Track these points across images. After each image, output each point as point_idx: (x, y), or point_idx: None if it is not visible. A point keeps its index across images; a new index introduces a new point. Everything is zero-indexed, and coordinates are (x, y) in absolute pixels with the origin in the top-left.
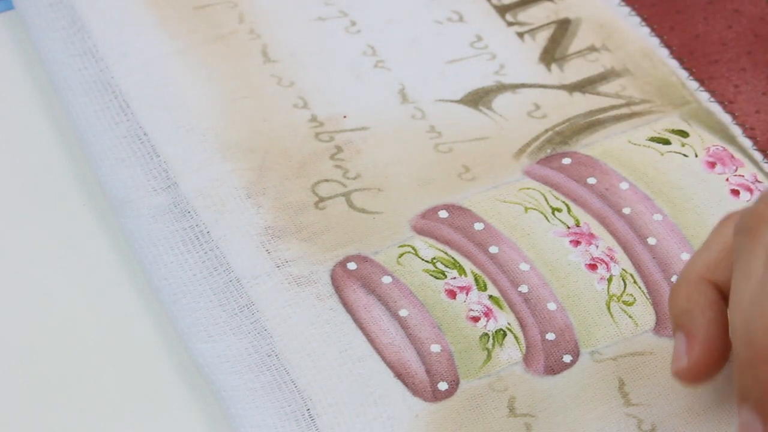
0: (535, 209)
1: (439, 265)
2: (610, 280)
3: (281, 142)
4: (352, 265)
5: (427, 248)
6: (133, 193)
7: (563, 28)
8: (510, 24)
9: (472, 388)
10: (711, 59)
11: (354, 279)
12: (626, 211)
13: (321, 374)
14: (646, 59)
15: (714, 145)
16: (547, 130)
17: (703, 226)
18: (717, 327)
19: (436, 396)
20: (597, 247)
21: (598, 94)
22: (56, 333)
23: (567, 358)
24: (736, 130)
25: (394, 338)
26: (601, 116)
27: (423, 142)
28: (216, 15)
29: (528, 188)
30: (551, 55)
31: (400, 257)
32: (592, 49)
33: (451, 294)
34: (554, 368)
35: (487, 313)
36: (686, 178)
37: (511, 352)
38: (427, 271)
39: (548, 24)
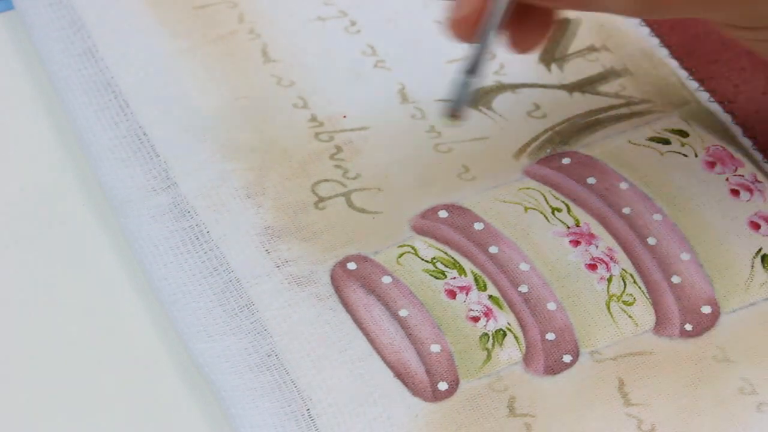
0: (535, 209)
1: (439, 265)
2: (609, 280)
3: (281, 142)
4: (352, 265)
5: (427, 248)
6: (133, 192)
7: (563, 28)
8: None
9: (472, 388)
10: (711, 59)
11: (354, 279)
12: (626, 211)
13: (321, 374)
14: (646, 59)
15: (714, 145)
16: (546, 130)
17: (703, 226)
18: None
19: (436, 396)
20: (597, 247)
21: (598, 94)
22: (56, 333)
23: (567, 358)
24: (736, 130)
25: (394, 338)
26: (600, 116)
27: (423, 142)
28: (216, 15)
29: (528, 188)
30: (551, 55)
31: (399, 257)
32: (591, 49)
33: (451, 294)
34: (554, 368)
35: (487, 313)
36: (686, 177)
37: (511, 352)
38: (426, 271)
39: None
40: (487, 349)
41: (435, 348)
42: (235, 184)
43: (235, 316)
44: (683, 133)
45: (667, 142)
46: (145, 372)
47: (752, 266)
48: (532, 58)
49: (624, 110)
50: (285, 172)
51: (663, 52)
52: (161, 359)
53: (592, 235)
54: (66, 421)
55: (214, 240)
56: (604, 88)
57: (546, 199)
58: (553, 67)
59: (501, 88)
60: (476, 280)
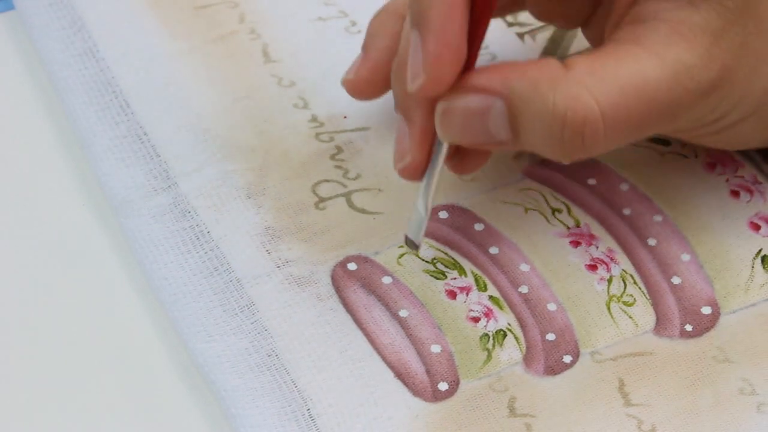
0: (535, 210)
1: (440, 266)
2: (610, 280)
3: (282, 142)
4: (352, 266)
5: (428, 249)
6: (133, 192)
7: (563, 29)
8: (510, 25)
9: (473, 388)
10: None
11: (354, 279)
12: (626, 212)
13: (321, 374)
14: None
15: None
16: None
17: (703, 227)
18: (390, 54)
19: (437, 396)
20: (597, 247)
21: None
22: (56, 333)
23: (567, 359)
24: None
25: (394, 338)
26: None
27: None
28: (217, 15)
29: (528, 189)
30: (551, 55)
31: (400, 258)
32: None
33: (452, 294)
34: (554, 368)
35: (488, 314)
36: (686, 179)
37: (511, 352)
38: (427, 271)
39: (548, 25)
40: (487, 349)
41: (435, 348)
42: (235, 185)
43: (235, 316)
44: None
45: (667, 143)
46: (145, 372)
47: (752, 267)
48: (532, 58)
49: None
50: (285, 172)
51: None
52: (161, 359)
53: (592, 236)
54: (66, 421)
55: (214, 240)
56: None
57: (546, 200)
58: None
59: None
60: (476, 280)
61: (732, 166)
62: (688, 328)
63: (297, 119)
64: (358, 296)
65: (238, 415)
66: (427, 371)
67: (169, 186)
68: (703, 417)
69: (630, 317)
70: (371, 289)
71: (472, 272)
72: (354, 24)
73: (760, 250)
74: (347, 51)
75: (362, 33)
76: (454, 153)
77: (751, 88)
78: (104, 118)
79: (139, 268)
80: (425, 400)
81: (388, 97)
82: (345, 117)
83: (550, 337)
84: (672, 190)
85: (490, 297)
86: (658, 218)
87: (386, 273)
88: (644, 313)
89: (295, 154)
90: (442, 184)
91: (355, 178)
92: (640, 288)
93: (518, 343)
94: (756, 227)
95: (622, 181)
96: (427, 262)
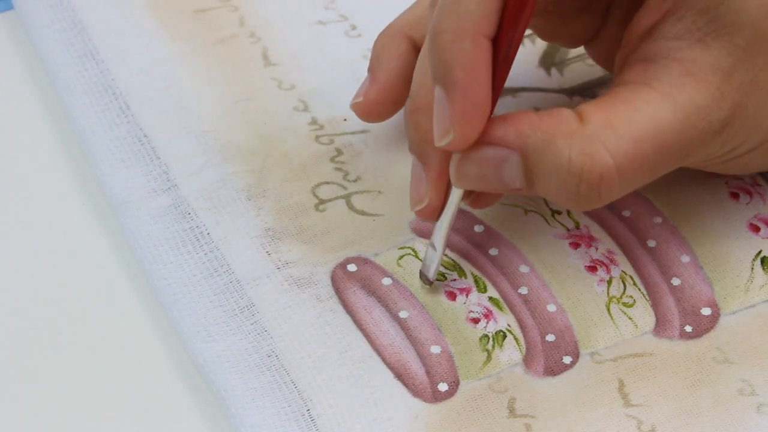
0: (535, 211)
1: (440, 267)
2: (609, 282)
3: (282, 144)
4: (352, 267)
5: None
6: (133, 193)
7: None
8: None
9: (472, 389)
10: None
11: (354, 281)
12: (626, 213)
13: (321, 375)
14: None
15: None
16: None
17: (702, 229)
18: (397, 75)
19: (436, 397)
20: (597, 249)
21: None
22: (56, 333)
23: (567, 359)
24: None
25: (394, 339)
26: None
27: None
28: (217, 18)
29: None
30: (551, 59)
31: (400, 259)
32: None
33: (451, 296)
34: (554, 369)
35: (487, 315)
36: (686, 180)
37: (511, 353)
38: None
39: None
40: (487, 350)
41: (435, 349)
42: (235, 187)
43: (235, 317)
44: None
45: None
46: (145, 372)
47: (752, 268)
48: (532, 62)
49: None
50: (285, 174)
51: None
52: (161, 359)
53: (592, 238)
54: (66, 421)
55: (214, 241)
56: (604, 92)
57: (546, 202)
58: (553, 71)
59: (501, 91)
60: (476, 281)
61: None
62: (688, 329)
63: (297, 122)
64: (358, 297)
65: (238, 415)
66: (427, 372)
67: (169, 188)
68: (703, 418)
69: (630, 318)
70: (371, 290)
71: (472, 273)
72: (354, 28)
73: (759, 252)
74: (347, 54)
75: (362, 37)
76: (470, 191)
77: (760, 121)
78: (104, 120)
79: (139, 268)
80: (425, 400)
81: None
82: (345, 119)
83: (550, 338)
84: (671, 191)
85: (490, 298)
86: (658, 220)
87: (386, 274)
88: (644, 314)
89: (295, 157)
90: None
91: (355, 180)
92: (639, 289)
93: (518, 344)
94: (755, 229)
95: None
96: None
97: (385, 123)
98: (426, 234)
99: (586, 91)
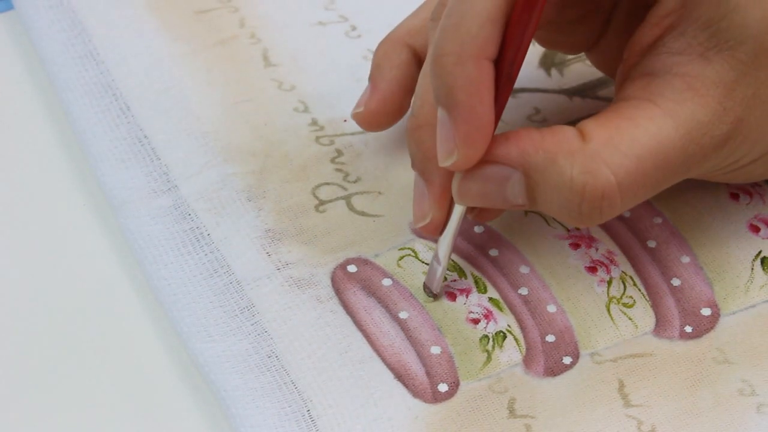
0: (534, 212)
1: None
2: (609, 282)
3: (282, 145)
4: (352, 268)
5: (428, 251)
6: (133, 194)
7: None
8: None
9: (472, 389)
10: None
11: (354, 281)
12: (626, 214)
13: (321, 376)
14: None
15: None
16: None
17: (702, 229)
18: (398, 84)
19: (436, 397)
20: (597, 249)
21: (598, 98)
22: (56, 333)
23: (567, 360)
24: None
25: (394, 340)
26: None
27: None
28: (217, 19)
29: None
30: (551, 59)
31: (400, 260)
32: None
33: (451, 296)
34: (554, 370)
35: (487, 316)
36: (686, 181)
37: (511, 353)
38: (427, 273)
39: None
40: (487, 350)
41: (435, 350)
42: (235, 188)
43: (235, 318)
44: None
45: None
46: (145, 372)
47: (752, 269)
48: (533, 62)
49: None
50: (286, 175)
51: None
52: (161, 359)
53: (591, 238)
54: (66, 420)
55: (214, 242)
56: (604, 92)
57: None
58: (553, 71)
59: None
60: (476, 282)
61: None
62: (688, 329)
63: (297, 123)
64: (358, 298)
65: (238, 415)
66: (427, 372)
67: (170, 189)
68: (703, 418)
69: (630, 319)
70: (371, 291)
71: (472, 274)
72: (354, 29)
73: (759, 252)
74: (347, 55)
75: (362, 37)
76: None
77: (762, 134)
78: (104, 120)
79: (139, 268)
80: (425, 401)
81: None
82: (345, 120)
83: (550, 338)
84: (671, 192)
85: (490, 299)
86: (658, 220)
87: (386, 275)
88: (644, 315)
89: (295, 157)
90: None
91: (355, 181)
92: (639, 290)
93: (518, 344)
94: (755, 229)
95: None
96: (427, 264)
97: None
98: (426, 236)
99: (586, 92)
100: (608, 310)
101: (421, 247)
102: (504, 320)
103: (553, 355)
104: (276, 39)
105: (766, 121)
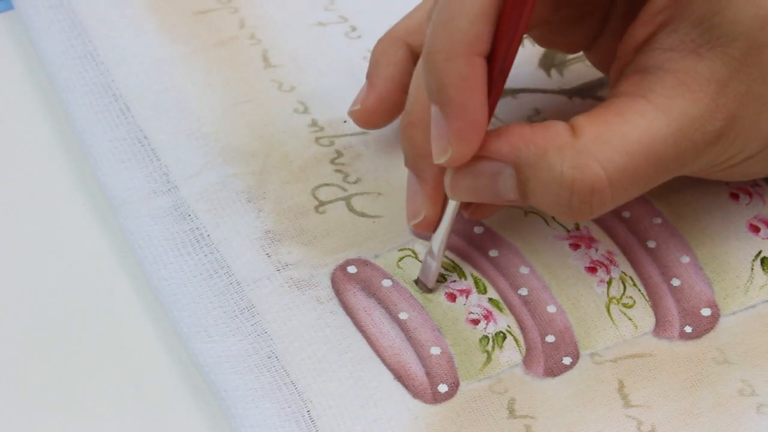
0: (534, 213)
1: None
2: (609, 282)
3: (282, 146)
4: (352, 269)
5: None
6: (133, 194)
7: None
8: None
9: (472, 390)
10: None
11: (354, 282)
12: (626, 214)
13: (321, 376)
14: None
15: None
16: None
17: (702, 229)
18: (395, 82)
19: (436, 398)
20: (596, 250)
21: (598, 99)
22: (56, 333)
23: (567, 360)
24: None
25: (394, 341)
26: None
27: None
28: (217, 20)
29: None
30: (551, 60)
31: (400, 261)
32: None
33: (451, 297)
34: (554, 370)
35: (487, 316)
36: (685, 181)
37: (510, 354)
38: (421, 268)
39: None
40: (487, 351)
41: (435, 350)
42: (235, 188)
43: (235, 318)
44: None
45: None
46: (145, 372)
47: (752, 269)
48: (533, 62)
49: None
50: (286, 176)
51: None
52: (161, 359)
53: (591, 239)
54: (66, 420)
55: (214, 243)
56: (604, 93)
57: None
58: (553, 72)
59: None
60: (476, 283)
61: None
62: (688, 329)
63: (297, 123)
64: (358, 299)
65: (238, 415)
66: (427, 373)
67: (170, 189)
68: (703, 418)
69: (629, 319)
70: (371, 291)
71: (472, 275)
72: (354, 29)
73: (759, 252)
74: (347, 56)
75: (362, 38)
76: (468, 202)
77: (756, 130)
78: (104, 121)
79: (139, 268)
80: (425, 401)
81: None
82: (345, 121)
83: (550, 338)
84: (671, 192)
85: (490, 299)
86: (658, 221)
87: (386, 276)
88: (644, 315)
89: (295, 158)
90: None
91: (355, 182)
92: (639, 290)
93: (518, 344)
94: (755, 229)
95: None
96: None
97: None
98: (426, 236)
99: (586, 92)
100: (608, 311)
101: (421, 248)
102: (504, 321)
103: (553, 356)
104: (276, 40)
105: (759, 117)
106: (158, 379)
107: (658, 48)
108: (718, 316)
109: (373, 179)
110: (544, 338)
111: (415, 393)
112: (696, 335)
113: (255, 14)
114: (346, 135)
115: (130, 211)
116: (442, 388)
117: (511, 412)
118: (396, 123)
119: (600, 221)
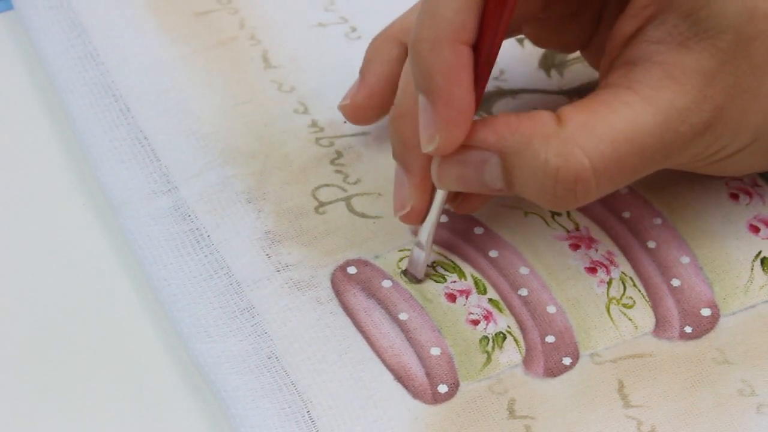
0: (534, 213)
1: (439, 269)
2: (609, 283)
3: (282, 147)
4: (352, 269)
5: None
6: (133, 194)
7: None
8: None
9: (472, 390)
10: None
11: (354, 283)
12: (626, 215)
13: (321, 377)
14: None
15: None
16: None
17: (702, 230)
18: (386, 80)
19: (436, 398)
20: (596, 250)
21: None
22: (56, 333)
23: (566, 361)
24: None
25: (394, 341)
26: None
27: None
28: (217, 21)
29: None
30: (550, 60)
31: (400, 261)
32: None
33: (451, 298)
34: (554, 370)
35: (487, 317)
36: (685, 181)
37: (510, 354)
38: (426, 275)
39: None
40: (487, 351)
41: (435, 351)
42: (235, 189)
43: (235, 319)
44: None
45: None
46: (145, 372)
47: (752, 269)
48: (532, 63)
49: None
50: (286, 176)
51: None
52: (161, 359)
53: (591, 239)
54: (66, 420)
55: (214, 244)
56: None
57: None
58: (553, 72)
59: (501, 93)
60: (476, 283)
61: None
62: (688, 329)
63: (297, 124)
64: (358, 300)
65: (238, 415)
66: (427, 374)
67: (170, 190)
68: (703, 418)
69: (629, 319)
70: (371, 292)
71: (472, 275)
72: (354, 30)
73: (759, 252)
74: (347, 56)
75: (362, 39)
76: (455, 195)
77: (745, 123)
78: (104, 121)
79: (139, 268)
80: (425, 402)
81: None
82: (345, 122)
83: (550, 339)
84: (671, 193)
85: (490, 300)
86: (658, 221)
87: (386, 276)
88: (644, 315)
89: (295, 159)
90: None
91: (355, 183)
92: (639, 290)
93: (518, 345)
94: (755, 229)
95: None
96: (427, 265)
97: (385, 125)
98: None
99: (586, 93)
100: (608, 311)
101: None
102: (504, 321)
103: (552, 356)
104: (276, 40)
105: (747, 110)
106: (158, 379)
107: (645, 40)
108: (718, 316)
109: (373, 180)
110: (544, 338)
111: (415, 393)
112: (696, 335)
113: (255, 15)
114: (346, 136)
115: (130, 211)
116: (442, 388)
117: (511, 413)
118: (383, 118)
119: (600, 221)
